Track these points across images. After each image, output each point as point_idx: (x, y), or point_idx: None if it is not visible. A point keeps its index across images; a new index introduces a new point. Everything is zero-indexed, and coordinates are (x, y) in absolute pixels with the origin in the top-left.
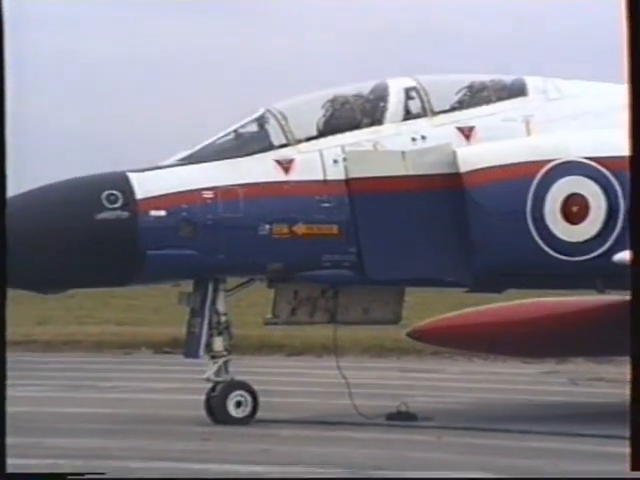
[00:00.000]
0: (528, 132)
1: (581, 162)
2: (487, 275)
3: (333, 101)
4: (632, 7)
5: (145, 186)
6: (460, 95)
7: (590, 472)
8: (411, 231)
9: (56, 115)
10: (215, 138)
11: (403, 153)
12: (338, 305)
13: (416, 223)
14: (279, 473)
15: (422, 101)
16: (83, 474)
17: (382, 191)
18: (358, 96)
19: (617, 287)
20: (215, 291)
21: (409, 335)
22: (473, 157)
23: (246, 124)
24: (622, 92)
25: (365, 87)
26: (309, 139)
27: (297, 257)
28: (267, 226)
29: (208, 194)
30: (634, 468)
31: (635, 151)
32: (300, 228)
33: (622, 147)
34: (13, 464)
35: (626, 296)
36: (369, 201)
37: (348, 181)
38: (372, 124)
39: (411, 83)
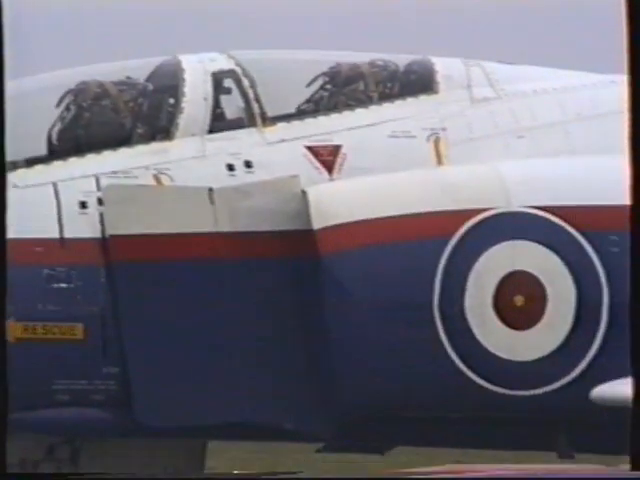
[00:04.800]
0: (437, 158)
1: (531, 215)
2: (358, 420)
3: (79, 92)
4: (632, 7)
5: None
6: (315, 88)
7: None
8: (221, 337)
9: None
10: None
11: (211, 192)
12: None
13: (231, 322)
14: None
15: (246, 98)
16: (83, 474)
17: (169, 262)
18: (125, 85)
19: (596, 448)
20: None
21: None
22: (337, 202)
23: None
24: (613, 86)
25: (140, 67)
26: (31, 162)
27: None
28: None
29: None
30: (634, 468)
31: (635, 152)
32: (11, 329)
33: (607, 187)
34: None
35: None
36: (143, 280)
37: (106, 241)
38: (152, 138)
39: (225, 63)
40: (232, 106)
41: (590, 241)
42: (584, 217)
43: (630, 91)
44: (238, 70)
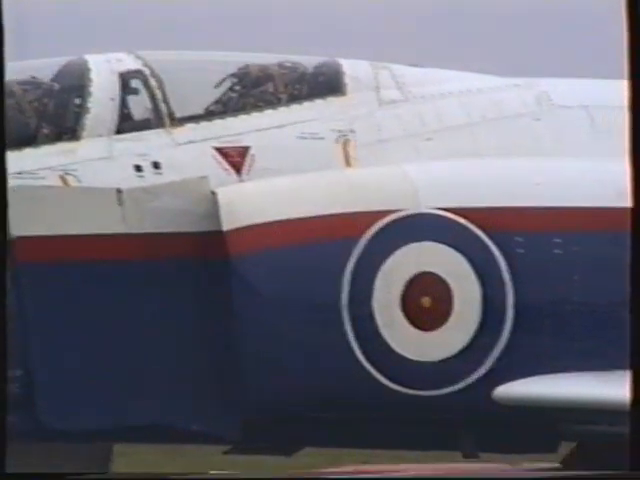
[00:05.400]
0: (346, 160)
1: (438, 217)
2: (265, 422)
3: None
4: (632, 7)
5: None
6: (223, 89)
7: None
8: (127, 339)
9: None
10: None
11: (119, 193)
12: None
13: (138, 324)
14: None
15: (153, 98)
16: (82, 474)
17: (76, 263)
18: (30, 84)
19: (500, 447)
20: None
21: None
22: (247, 203)
23: None
24: (524, 89)
25: (45, 67)
26: None
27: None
28: None
29: None
30: (634, 468)
31: (635, 153)
32: None
33: (512, 189)
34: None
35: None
36: (49, 281)
37: (11, 242)
38: (58, 138)
39: (132, 64)
40: (140, 107)
41: (496, 242)
42: (490, 219)
43: (630, 91)
44: (146, 70)
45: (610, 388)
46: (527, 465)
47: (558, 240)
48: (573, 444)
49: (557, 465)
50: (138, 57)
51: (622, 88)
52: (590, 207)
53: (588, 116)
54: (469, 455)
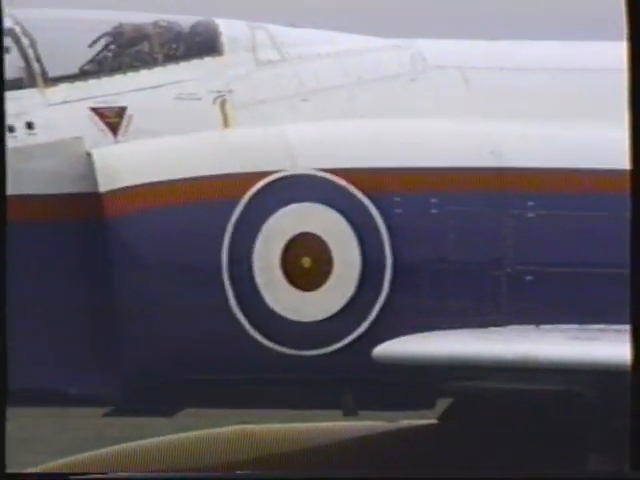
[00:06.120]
0: (224, 120)
1: (317, 178)
2: (145, 384)
3: None
4: (632, 7)
5: None
6: (98, 49)
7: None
8: (3, 302)
9: None
10: None
11: None
12: None
13: (14, 287)
14: None
15: (25, 57)
16: (84, 474)
17: None
18: None
19: (380, 405)
20: None
21: None
22: (123, 165)
23: None
24: (407, 49)
25: None
26: None
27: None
28: None
29: None
30: (634, 468)
31: (635, 149)
32: None
33: (390, 150)
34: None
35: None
36: None
37: None
38: None
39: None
40: (12, 66)
41: (374, 203)
42: (368, 179)
43: (630, 88)
44: (17, 29)
45: (486, 345)
46: (405, 422)
47: (434, 200)
48: (450, 400)
49: (434, 421)
50: (8, 15)
51: (497, 49)
52: (464, 167)
53: (462, 76)
54: (349, 413)
